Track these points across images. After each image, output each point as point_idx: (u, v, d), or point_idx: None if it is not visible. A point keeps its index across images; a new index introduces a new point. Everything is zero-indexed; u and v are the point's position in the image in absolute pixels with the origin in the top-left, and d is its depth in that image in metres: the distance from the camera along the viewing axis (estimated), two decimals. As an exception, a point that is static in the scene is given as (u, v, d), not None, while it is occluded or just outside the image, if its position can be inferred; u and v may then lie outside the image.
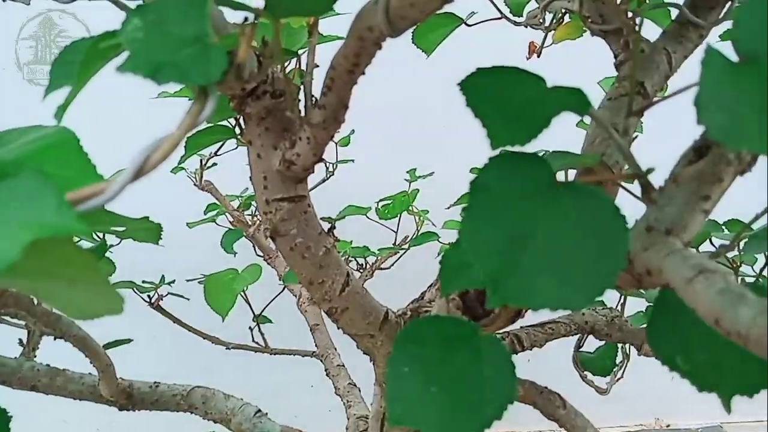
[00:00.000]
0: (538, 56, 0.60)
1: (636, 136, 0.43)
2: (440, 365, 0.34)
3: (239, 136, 0.46)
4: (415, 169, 1.04)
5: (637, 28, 0.42)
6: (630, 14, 0.44)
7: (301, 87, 0.41)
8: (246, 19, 0.25)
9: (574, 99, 0.26)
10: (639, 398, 1.14)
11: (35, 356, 0.59)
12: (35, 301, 0.51)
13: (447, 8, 0.67)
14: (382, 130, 1.20)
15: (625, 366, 0.82)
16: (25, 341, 0.59)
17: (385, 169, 1.08)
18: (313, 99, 0.40)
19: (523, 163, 0.28)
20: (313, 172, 0.42)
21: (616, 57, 0.46)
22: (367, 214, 1.00)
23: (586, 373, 0.81)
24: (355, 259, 0.97)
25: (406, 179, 1.03)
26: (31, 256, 0.23)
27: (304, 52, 0.42)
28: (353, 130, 0.97)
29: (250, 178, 0.42)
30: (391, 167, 1.06)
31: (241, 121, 0.42)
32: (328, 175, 0.93)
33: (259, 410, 0.58)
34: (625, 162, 0.33)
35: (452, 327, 0.36)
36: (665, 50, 0.43)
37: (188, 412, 0.59)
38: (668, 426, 1.20)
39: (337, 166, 0.94)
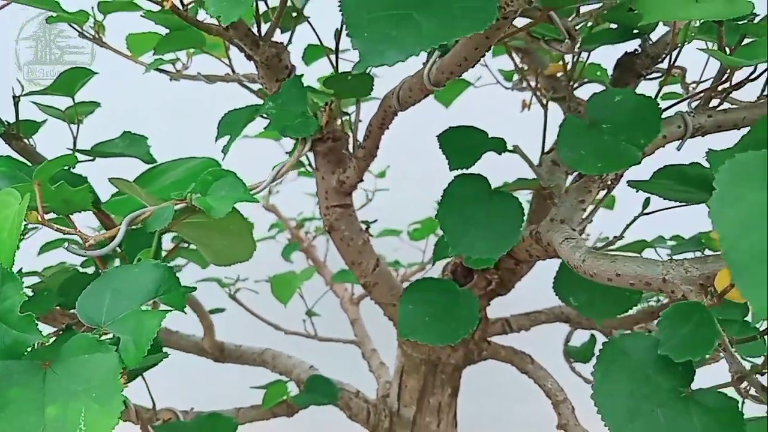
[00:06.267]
0: (528, 110, 0.82)
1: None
2: (433, 305, 0.55)
3: (308, 167, 0.69)
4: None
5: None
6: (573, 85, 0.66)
7: (350, 134, 0.64)
8: (327, 102, 0.49)
9: (497, 144, 0.47)
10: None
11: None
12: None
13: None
14: (414, 167, 1.43)
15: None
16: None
17: (415, 199, 1.31)
18: (358, 142, 0.62)
19: (474, 179, 0.49)
20: (356, 188, 0.64)
21: (564, 114, 0.67)
22: (400, 236, 1.22)
23: (574, 364, 1.00)
24: (389, 271, 1.19)
25: (434, 207, 1.25)
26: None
27: (352, 112, 0.65)
28: (389, 166, 1.20)
29: (317, 192, 0.65)
30: (420, 197, 1.28)
31: (311, 156, 0.65)
32: (368, 201, 1.16)
33: (312, 365, 0.79)
34: (545, 181, 0.54)
35: (442, 284, 0.58)
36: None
37: (261, 366, 0.81)
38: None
39: (374, 193, 1.17)
